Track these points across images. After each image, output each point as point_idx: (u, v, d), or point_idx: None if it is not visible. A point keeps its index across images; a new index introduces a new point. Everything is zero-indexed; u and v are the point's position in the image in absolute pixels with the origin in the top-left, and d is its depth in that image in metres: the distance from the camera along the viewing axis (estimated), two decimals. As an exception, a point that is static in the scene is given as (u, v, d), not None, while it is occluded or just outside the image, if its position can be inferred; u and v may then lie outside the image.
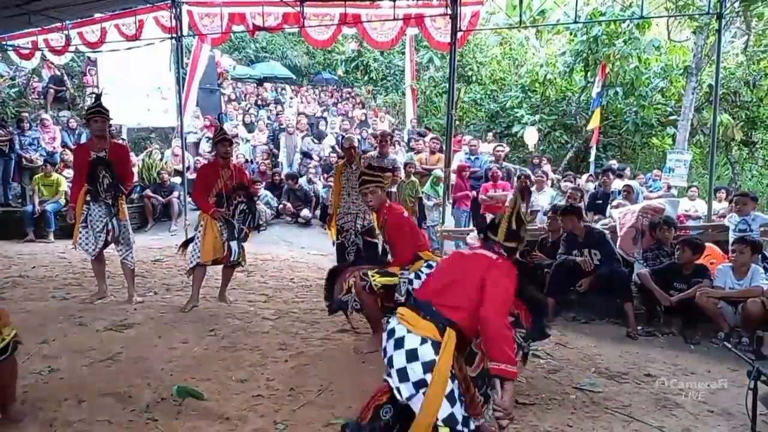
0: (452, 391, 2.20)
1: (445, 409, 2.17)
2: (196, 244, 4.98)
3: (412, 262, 3.78)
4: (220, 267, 5.22)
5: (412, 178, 8.03)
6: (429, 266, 3.67)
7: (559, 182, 9.79)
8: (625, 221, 5.74)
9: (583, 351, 4.26)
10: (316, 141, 11.27)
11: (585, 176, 10.02)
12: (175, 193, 9.65)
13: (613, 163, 10.85)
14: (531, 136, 12.00)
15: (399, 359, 2.21)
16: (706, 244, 5.25)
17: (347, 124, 12.75)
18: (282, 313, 4.90)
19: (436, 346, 2.20)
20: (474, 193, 8.40)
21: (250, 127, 12.77)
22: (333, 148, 10.81)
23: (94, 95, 5.05)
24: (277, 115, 13.71)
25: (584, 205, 7.37)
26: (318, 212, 9.55)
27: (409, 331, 2.24)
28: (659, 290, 4.75)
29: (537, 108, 13.18)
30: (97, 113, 4.85)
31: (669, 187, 8.98)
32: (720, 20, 6.52)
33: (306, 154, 11.04)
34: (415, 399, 2.19)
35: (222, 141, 5.05)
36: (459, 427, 2.18)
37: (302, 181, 10.04)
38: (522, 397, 3.31)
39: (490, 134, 11.58)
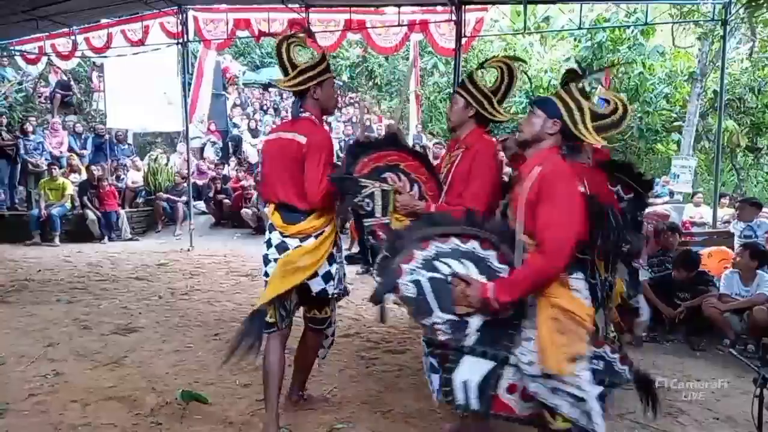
0: None
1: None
2: None
3: None
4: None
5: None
6: None
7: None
8: (630, 227, 5.72)
9: (588, 357, 4.24)
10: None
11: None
12: (183, 198, 9.69)
13: None
14: None
15: None
16: (721, 248, 5.22)
17: (351, 129, 12.78)
18: (286, 318, 4.89)
19: None
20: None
21: (255, 132, 12.82)
22: (336, 153, 10.83)
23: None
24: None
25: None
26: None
27: None
28: (663, 305, 4.73)
29: (541, 114, 13.18)
30: None
31: (672, 194, 8.96)
32: (725, 26, 6.53)
33: None
34: None
35: None
36: None
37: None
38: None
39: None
